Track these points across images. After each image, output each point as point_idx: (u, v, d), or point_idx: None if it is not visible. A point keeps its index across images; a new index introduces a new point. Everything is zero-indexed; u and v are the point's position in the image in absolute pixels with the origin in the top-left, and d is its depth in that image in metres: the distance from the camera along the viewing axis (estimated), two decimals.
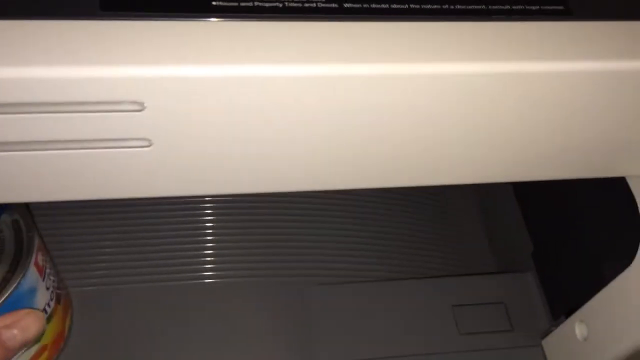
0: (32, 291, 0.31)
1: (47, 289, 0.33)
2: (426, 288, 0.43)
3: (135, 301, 0.40)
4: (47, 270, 0.33)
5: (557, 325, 0.40)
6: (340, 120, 0.24)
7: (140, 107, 0.21)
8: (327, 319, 0.41)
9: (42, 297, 0.32)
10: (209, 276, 0.42)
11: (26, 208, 0.32)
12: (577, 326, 0.37)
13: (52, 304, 0.34)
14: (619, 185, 0.33)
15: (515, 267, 0.46)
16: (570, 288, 0.40)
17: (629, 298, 0.33)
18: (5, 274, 0.30)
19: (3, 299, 0.29)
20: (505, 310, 0.43)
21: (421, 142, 0.25)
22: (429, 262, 0.46)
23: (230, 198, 0.45)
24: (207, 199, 0.44)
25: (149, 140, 0.23)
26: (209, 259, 0.42)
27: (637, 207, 0.32)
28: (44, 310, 0.33)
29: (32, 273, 0.31)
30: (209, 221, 0.44)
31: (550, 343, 0.40)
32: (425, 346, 0.40)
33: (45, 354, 0.35)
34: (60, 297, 0.35)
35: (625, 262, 0.33)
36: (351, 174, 0.27)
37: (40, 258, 0.32)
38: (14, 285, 0.29)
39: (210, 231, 0.43)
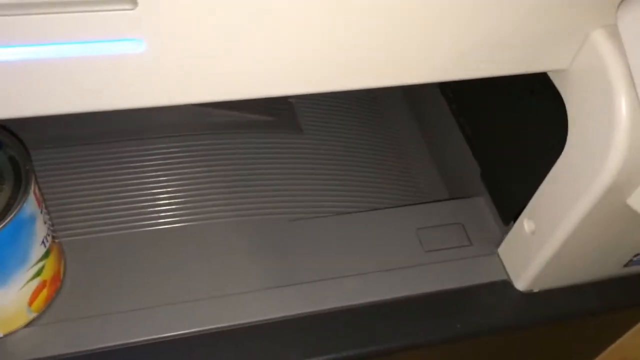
0: (33, 219, 0.34)
1: (45, 223, 0.35)
2: (390, 216, 0.48)
3: (118, 247, 0.42)
4: (43, 205, 0.35)
5: (508, 232, 0.44)
6: None
7: (133, 5, 0.25)
8: (302, 250, 0.44)
9: (41, 229, 0.35)
10: (185, 219, 0.45)
11: (22, 145, 0.34)
12: (525, 223, 0.42)
13: (49, 239, 0.36)
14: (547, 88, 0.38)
15: (467, 190, 0.50)
16: (516, 197, 0.45)
17: (563, 184, 0.38)
18: (7, 201, 0.32)
19: (7, 221, 0.31)
20: (463, 229, 0.47)
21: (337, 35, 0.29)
22: (387, 195, 0.50)
23: (187, 139, 0.49)
24: (170, 143, 0.48)
25: (142, 41, 0.26)
26: (180, 202, 0.45)
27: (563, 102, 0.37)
28: (43, 243, 0.35)
29: (32, 201, 0.33)
30: (173, 163, 0.47)
31: (504, 249, 0.45)
32: (395, 262, 0.44)
33: (45, 291, 0.37)
34: (55, 237, 0.38)
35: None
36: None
37: (37, 190, 0.34)
38: (17, 209, 0.32)
39: (180, 175, 0.47)
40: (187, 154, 0.48)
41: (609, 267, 0.43)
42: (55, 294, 0.38)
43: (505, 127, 0.47)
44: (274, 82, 0.30)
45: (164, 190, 0.46)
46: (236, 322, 0.40)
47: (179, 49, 0.27)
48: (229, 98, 0.30)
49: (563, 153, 0.37)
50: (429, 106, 0.57)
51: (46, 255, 0.36)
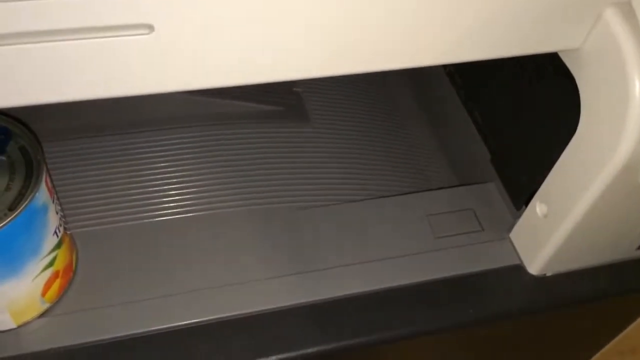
0: (45, 208, 0.34)
1: (57, 213, 0.35)
2: (400, 203, 0.47)
3: (130, 238, 0.42)
4: (55, 196, 0.35)
5: (520, 216, 0.44)
6: None
7: None
8: (311, 239, 0.44)
9: (53, 219, 0.35)
10: (195, 209, 0.44)
11: (33, 135, 0.34)
12: (538, 206, 0.41)
13: (62, 229, 0.36)
14: (558, 69, 0.38)
15: (476, 177, 0.50)
16: (527, 181, 0.44)
17: (576, 166, 0.37)
18: (19, 190, 0.32)
19: (20, 210, 0.31)
20: (474, 215, 0.47)
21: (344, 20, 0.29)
22: (396, 182, 0.50)
23: (195, 130, 0.49)
24: (180, 134, 0.48)
25: (151, 26, 0.26)
26: (189, 192, 0.45)
27: (575, 83, 0.36)
28: (55, 233, 0.35)
29: (44, 190, 0.33)
30: (184, 154, 0.47)
31: (516, 233, 0.45)
32: (406, 249, 0.44)
33: (58, 281, 0.37)
34: (66, 227, 0.38)
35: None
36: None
37: (49, 181, 0.34)
38: (30, 198, 0.32)
39: (189, 165, 0.47)
40: (196, 144, 0.48)
41: (622, 249, 0.43)
42: (68, 285, 0.38)
43: (515, 111, 0.46)
44: (282, 66, 0.30)
45: (174, 180, 0.46)
46: (248, 310, 0.40)
47: (187, 33, 0.27)
48: (238, 83, 0.30)
49: (576, 134, 0.37)
50: (437, 92, 0.56)
51: (59, 245, 0.36)
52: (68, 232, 0.38)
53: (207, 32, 0.27)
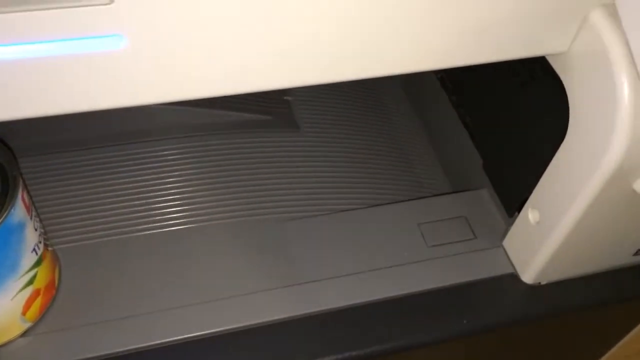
0: (22, 225, 0.33)
1: (35, 229, 0.35)
2: (391, 212, 0.47)
3: (116, 253, 0.41)
4: (33, 212, 0.35)
5: (512, 224, 0.43)
6: None
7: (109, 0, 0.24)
8: (302, 250, 0.43)
9: (31, 236, 0.34)
10: (183, 222, 0.44)
11: (9, 151, 0.34)
12: (530, 213, 0.40)
13: (41, 246, 0.35)
14: (547, 73, 0.37)
15: (469, 183, 0.49)
16: (520, 187, 0.43)
17: (567, 171, 0.36)
18: None
19: None
20: (467, 222, 0.46)
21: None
22: (387, 190, 0.49)
23: (184, 141, 0.48)
24: (166, 145, 0.47)
25: (122, 36, 0.25)
26: (176, 205, 0.45)
27: (563, 87, 0.36)
28: (34, 250, 0.35)
29: (20, 207, 0.32)
30: (169, 165, 0.46)
31: (509, 241, 0.44)
32: (398, 259, 0.43)
33: (39, 300, 0.36)
34: (48, 245, 0.37)
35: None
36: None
37: (26, 196, 0.34)
38: (5, 215, 0.31)
39: (176, 177, 0.46)
40: (182, 155, 0.48)
41: (619, 256, 0.42)
42: (50, 303, 0.38)
43: (506, 116, 0.46)
44: (266, 75, 0.29)
45: (159, 193, 0.45)
46: (235, 326, 0.39)
47: (162, 43, 0.26)
48: (218, 94, 0.29)
49: (565, 139, 0.36)
50: (429, 98, 0.56)
51: (38, 263, 0.35)
52: (50, 249, 0.37)
53: (186, 41, 0.26)
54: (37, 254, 0.35)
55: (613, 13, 0.31)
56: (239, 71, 0.29)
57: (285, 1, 0.26)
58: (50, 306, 0.38)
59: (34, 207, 0.35)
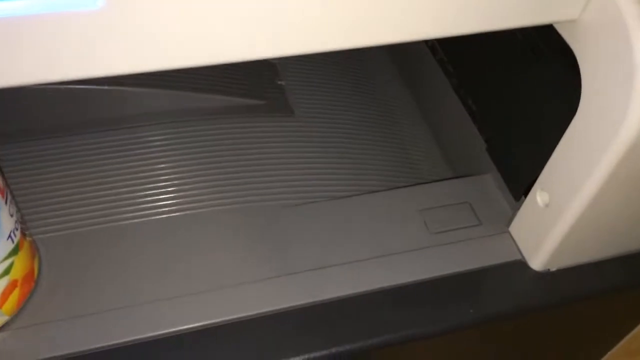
0: None
1: (11, 215, 0.32)
2: (391, 198, 0.44)
3: (100, 243, 0.39)
4: (9, 197, 0.32)
5: (519, 208, 0.41)
6: None
7: None
8: (299, 238, 0.41)
9: (7, 222, 0.32)
10: (172, 210, 0.41)
11: None
12: (539, 195, 0.38)
13: (18, 234, 0.33)
14: (555, 45, 0.35)
15: (472, 168, 0.47)
16: (527, 169, 0.41)
17: (578, 149, 0.34)
18: None
19: None
20: (471, 209, 0.44)
21: None
22: (387, 176, 0.47)
23: (176, 126, 0.46)
24: (155, 130, 0.44)
25: None
26: (164, 192, 0.42)
27: (574, 57, 0.33)
28: (10, 237, 0.32)
29: None
30: (159, 151, 0.44)
31: (516, 226, 0.42)
32: (399, 246, 0.41)
33: (17, 291, 0.34)
34: (26, 232, 0.35)
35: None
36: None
37: (0, 181, 0.31)
38: None
39: (165, 164, 0.44)
40: (172, 141, 0.45)
41: (632, 240, 0.40)
42: (29, 295, 0.35)
43: (511, 96, 0.43)
44: (252, 43, 0.27)
45: (149, 180, 0.43)
46: (231, 317, 0.37)
47: (142, 4, 0.24)
48: (202, 63, 0.27)
49: (577, 114, 0.34)
50: (429, 81, 0.53)
51: (15, 251, 0.33)
52: (28, 238, 0.35)
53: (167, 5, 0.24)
54: (13, 241, 0.32)
55: None
56: (221, 39, 0.26)
57: None
58: (29, 299, 0.35)
59: (9, 192, 0.33)
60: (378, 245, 0.41)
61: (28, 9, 0.23)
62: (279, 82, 0.52)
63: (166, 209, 0.41)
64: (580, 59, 0.33)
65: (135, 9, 0.24)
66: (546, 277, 0.40)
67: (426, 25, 0.29)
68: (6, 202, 0.32)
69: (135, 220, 0.40)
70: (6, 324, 0.34)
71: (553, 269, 0.40)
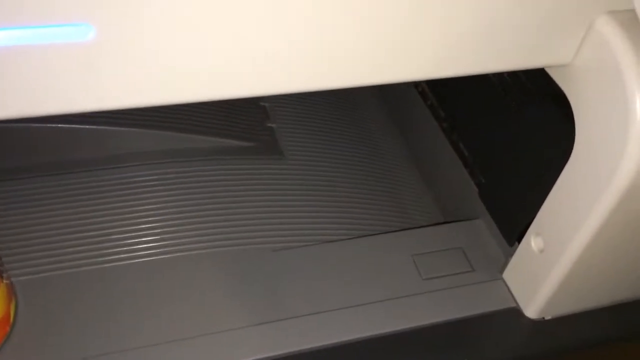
0: None
1: None
2: (382, 242, 0.44)
3: (81, 286, 0.38)
4: None
5: (513, 254, 0.40)
6: None
7: None
8: (288, 283, 0.40)
9: None
10: (156, 253, 0.40)
11: None
12: (533, 240, 0.38)
13: None
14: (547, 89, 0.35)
15: (463, 213, 0.46)
16: (520, 214, 0.41)
17: (573, 193, 0.34)
18: None
19: None
20: (463, 254, 0.43)
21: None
22: (377, 220, 0.47)
23: (165, 166, 0.45)
24: (141, 172, 0.44)
25: (90, 26, 0.22)
26: (149, 235, 0.41)
27: (567, 102, 0.33)
28: None
29: None
30: (145, 193, 0.43)
31: (510, 272, 0.41)
32: (390, 292, 0.40)
33: None
34: (3, 275, 0.33)
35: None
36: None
37: None
38: None
39: (150, 205, 0.43)
40: (158, 182, 0.44)
41: (629, 288, 0.39)
42: (4, 339, 0.34)
43: (503, 140, 0.43)
44: (244, 81, 0.27)
45: (132, 222, 0.42)
46: None
47: (134, 36, 0.23)
48: (192, 99, 0.26)
49: (571, 158, 0.34)
50: (418, 125, 0.53)
51: None
52: (5, 281, 0.34)
53: (159, 39, 0.24)
54: None
55: (622, 20, 0.29)
56: (215, 75, 0.26)
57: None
58: (4, 343, 0.33)
59: None
60: (369, 291, 0.40)
61: (15, 39, 0.22)
62: (269, 125, 0.52)
63: (150, 251, 0.40)
64: (573, 103, 0.33)
65: (127, 42, 0.23)
66: (541, 325, 0.39)
67: (417, 66, 0.29)
68: None
69: (118, 263, 0.39)
70: None
71: (548, 317, 0.39)
